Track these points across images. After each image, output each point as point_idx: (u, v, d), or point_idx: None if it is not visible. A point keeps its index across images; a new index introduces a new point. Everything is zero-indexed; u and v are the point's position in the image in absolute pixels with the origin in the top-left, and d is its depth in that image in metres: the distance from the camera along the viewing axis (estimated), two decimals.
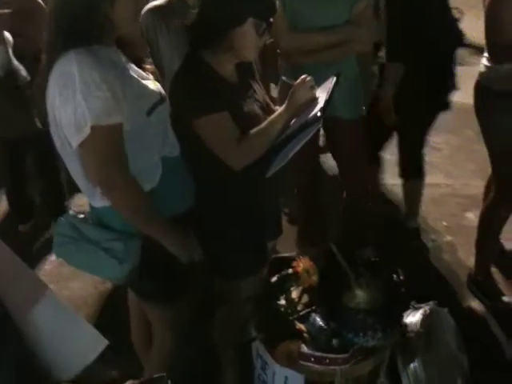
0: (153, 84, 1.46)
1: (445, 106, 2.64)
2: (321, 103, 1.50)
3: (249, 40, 1.53)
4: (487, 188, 2.60)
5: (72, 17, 1.30)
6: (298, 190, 2.67)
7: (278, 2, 2.06)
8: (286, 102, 1.57)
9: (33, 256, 2.88)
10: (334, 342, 1.61)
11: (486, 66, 2.21)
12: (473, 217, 3.03)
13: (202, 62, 1.57)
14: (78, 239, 1.43)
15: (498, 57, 2.12)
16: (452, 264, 2.75)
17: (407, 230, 2.98)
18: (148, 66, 1.57)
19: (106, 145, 1.31)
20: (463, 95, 4.69)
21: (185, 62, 1.61)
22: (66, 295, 2.56)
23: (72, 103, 1.26)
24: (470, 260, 2.59)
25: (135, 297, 1.77)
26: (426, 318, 1.82)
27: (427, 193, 3.28)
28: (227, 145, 1.55)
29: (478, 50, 5.71)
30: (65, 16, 1.31)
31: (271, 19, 1.55)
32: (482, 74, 2.24)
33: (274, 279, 1.80)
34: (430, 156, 3.80)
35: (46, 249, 2.87)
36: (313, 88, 1.57)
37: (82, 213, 1.52)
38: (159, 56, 2.11)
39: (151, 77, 1.51)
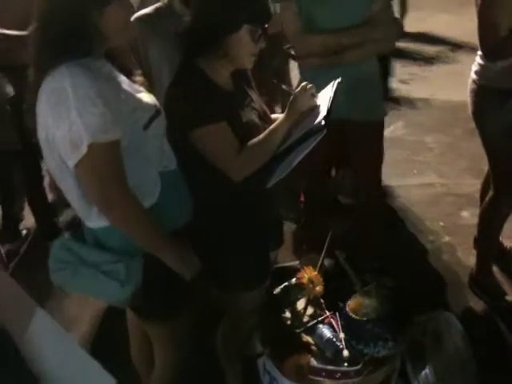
0: (147, 97, 1.41)
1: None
2: (323, 111, 1.46)
3: (244, 46, 1.50)
4: (484, 187, 2.59)
5: (59, 29, 1.24)
6: (305, 192, 2.63)
7: (292, 5, 2.03)
8: (287, 110, 1.54)
9: (22, 276, 2.79)
10: (343, 353, 1.57)
11: (479, 65, 2.20)
12: (468, 215, 3.04)
13: (197, 70, 1.53)
14: (75, 263, 1.37)
15: (491, 55, 2.10)
16: (452, 264, 2.72)
17: (405, 231, 2.98)
18: (138, 78, 1.52)
19: (105, 163, 1.25)
20: (449, 93, 4.72)
21: (179, 70, 1.56)
22: (58, 317, 2.48)
23: (66, 120, 1.20)
24: (470, 260, 2.58)
25: (135, 316, 1.71)
26: (433, 324, 1.80)
27: (421, 193, 3.30)
28: (227, 156, 1.51)
29: (457, 47, 5.82)
30: (52, 28, 1.25)
31: (266, 25, 1.51)
32: (476, 73, 2.23)
33: (277, 290, 1.76)
34: (422, 156, 3.82)
35: (36, 268, 2.78)
36: (313, 96, 1.54)
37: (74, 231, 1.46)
38: (148, 66, 2.06)
39: (143, 89, 1.45)
